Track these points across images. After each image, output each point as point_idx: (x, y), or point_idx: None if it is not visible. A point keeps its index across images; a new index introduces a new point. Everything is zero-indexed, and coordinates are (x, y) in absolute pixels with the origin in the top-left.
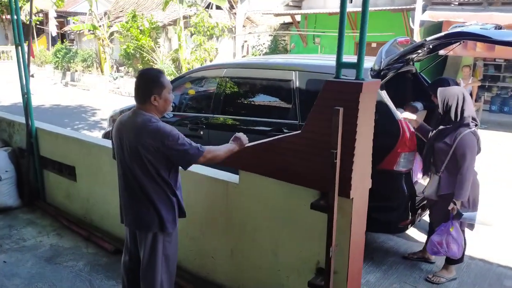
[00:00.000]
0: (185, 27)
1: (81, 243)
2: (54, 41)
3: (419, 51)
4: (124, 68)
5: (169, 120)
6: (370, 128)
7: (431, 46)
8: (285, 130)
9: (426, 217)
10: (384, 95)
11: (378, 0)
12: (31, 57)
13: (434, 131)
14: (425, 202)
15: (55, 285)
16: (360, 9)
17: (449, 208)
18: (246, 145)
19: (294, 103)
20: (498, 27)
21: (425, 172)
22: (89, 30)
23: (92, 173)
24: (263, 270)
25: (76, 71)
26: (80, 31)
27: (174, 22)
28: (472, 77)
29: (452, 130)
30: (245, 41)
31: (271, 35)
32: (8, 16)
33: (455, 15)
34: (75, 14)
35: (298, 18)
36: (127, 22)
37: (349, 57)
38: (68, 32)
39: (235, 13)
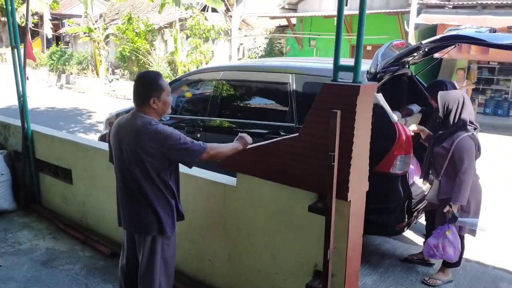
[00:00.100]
0: (181, 30)
1: (77, 247)
2: (49, 43)
3: (415, 54)
4: (120, 70)
5: (165, 123)
6: (367, 130)
7: (426, 49)
8: (282, 133)
9: (422, 219)
10: (380, 97)
11: (373, 3)
12: (31, 60)
13: (434, 136)
14: (421, 204)
15: None
16: (355, 12)
17: (444, 210)
18: (250, 144)
19: (291, 106)
20: (493, 30)
21: (425, 176)
22: (84, 33)
23: (89, 176)
24: (261, 273)
25: (71, 73)
26: (75, 33)
27: (170, 25)
28: (466, 79)
29: (450, 134)
30: (241, 44)
31: (267, 38)
32: (3, 18)
33: (450, 18)
34: (70, 16)
35: (293, 21)
36: (122, 25)
37: (345, 60)
38: (63, 34)
39: (230, 16)
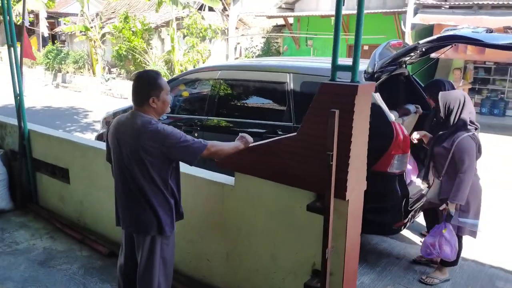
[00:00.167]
0: (178, 29)
1: (75, 246)
2: (44, 42)
3: (412, 54)
4: (116, 69)
5: (163, 122)
6: (365, 130)
7: (423, 49)
8: (279, 132)
9: (419, 219)
10: (378, 97)
11: (370, 3)
12: (31, 59)
13: (435, 136)
14: (418, 204)
15: None
16: (352, 12)
17: (440, 208)
18: (251, 144)
19: (289, 105)
20: (489, 31)
21: (426, 176)
22: (80, 31)
23: (86, 175)
24: (259, 273)
25: (68, 72)
26: (71, 32)
27: (167, 24)
28: (463, 79)
29: (450, 134)
30: (238, 43)
31: (264, 37)
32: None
33: (446, 18)
34: (66, 15)
35: (290, 20)
36: (119, 23)
37: (342, 60)
38: (59, 33)
39: (227, 15)
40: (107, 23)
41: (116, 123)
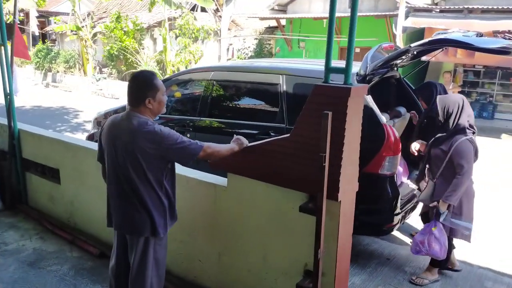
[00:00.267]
0: (170, 29)
1: (65, 247)
2: (35, 41)
3: (404, 57)
4: (107, 69)
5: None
6: (358, 132)
7: (415, 52)
8: (272, 134)
9: (409, 220)
10: (370, 99)
11: (362, 6)
12: (26, 59)
13: (432, 138)
14: (409, 205)
15: None
16: (344, 14)
17: (431, 205)
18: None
19: (281, 107)
20: (480, 35)
21: (421, 177)
22: (72, 31)
23: (77, 175)
24: (251, 273)
25: (58, 72)
26: (62, 31)
27: (159, 24)
28: (453, 82)
29: (448, 137)
30: (230, 44)
31: (256, 39)
32: None
33: (437, 22)
34: (56, 14)
35: (283, 22)
36: (111, 23)
37: (334, 62)
38: (50, 32)
39: (220, 16)
40: (98, 23)
41: (110, 124)
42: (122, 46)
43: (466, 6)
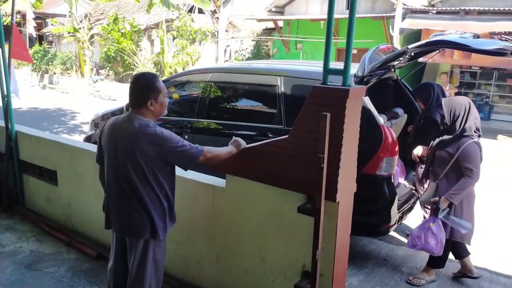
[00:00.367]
0: (168, 31)
1: (62, 249)
2: (31, 42)
3: (401, 58)
4: (105, 71)
5: None
6: (356, 133)
7: (412, 54)
8: (270, 135)
9: (406, 221)
10: (367, 101)
11: (359, 8)
12: (24, 61)
13: (437, 140)
14: (406, 206)
15: None
16: (341, 16)
17: (432, 200)
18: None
19: (279, 108)
20: (476, 36)
21: (423, 178)
22: (69, 33)
23: (75, 177)
24: (249, 274)
25: (55, 73)
26: (59, 33)
27: (156, 26)
28: (449, 83)
29: (455, 140)
30: (228, 46)
31: (253, 40)
32: None
33: (434, 23)
34: (53, 15)
35: (280, 23)
36: (108, 25)
37: (332, 63)
38: (47, 33)
39: (217, 18)
40: (95, 25)
41: (111, 125)
42: (119, 47)
43: (462, 8)
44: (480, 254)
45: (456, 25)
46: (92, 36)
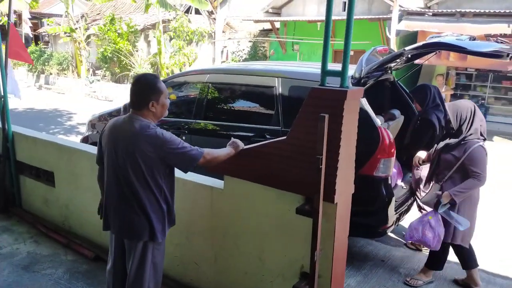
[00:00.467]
0: (164, 31)
1: (59, 250)
2: (27, 43)
3: (398, 60)
4: (101, 71)
5: None
6: (354, 134)
7: (409, 55)
8: (267, 136)
9: (404, 222)
10: (365, 102)
11: (356, 9)
12: (23, 62)
13: (441, 144)
14: (403, 207)
15: None
16: (338, 17)
17: (434, 192)
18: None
19: (277, 109)
20: (472, 38)
21: (429, 180)
22: (65, 33)
23: (73, 179)
24: (247, 275)
25: (51, 74)
26: (55, 33)
27: (153, 26)
28: (445, 85)
29: (461, 143)
30: (225, 47)
31: (250, 41)
32: None
33: (430, 25)
34: (49, 15)
35: (277, 25)
36: (104, 25)
37: (329, 65)
38: (43, 34)
39: (214, 19)
40: (92, 25)
41: (112, 126)
42: (116, 48)
43: (458, 10)
44: (478, 255)
45: (452, 27)
46: (88, 37)
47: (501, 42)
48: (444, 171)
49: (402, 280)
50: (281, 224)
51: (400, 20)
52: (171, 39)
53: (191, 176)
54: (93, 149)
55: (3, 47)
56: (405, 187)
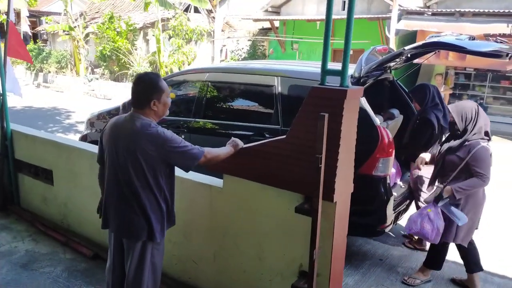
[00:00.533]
0: (163, 30)
1: (58, 249)
2: (26, 41)
3: (397, 59)
4: (100, 70)
5: None
6: (353, 133)
7: (409, 55)
8: (267, 135)
9: (402, 221)
10: (364, 101)
11: (355, 8)
12: (28, 62)
13: (445, 146)
14: (401, 206)
15: None
16: (337, 16)
17: (436, 185)
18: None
19: (276, 108)
20: (472, 38)
21: (433, 182)
22: (64, 31)
23: (71, 177)
24: (246, 274)
25: (50, 72)
26: (54, 31)
27: (152, 25)
28: (444, 85)
29: (465, 144)
30: (224, 46)
31: (249, 40)
32: None
33: (429, 24)
34: (48, 14)
35: (276, 24)
36: (103, 24)
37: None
38: (41, 32)
39: (213, 17)
40: (91, 23)
41: (113, 124)
42: (115, 46)
43: (457, 9)
44: (480, 254)
45: (451, 26)
46: (87, 35)
47: (501, 42)
48: (449, 173)
49: (400, 279)
50: (280, 223)
51: (399, 19)
52: (170, 37)
53: (190, 175)
54: (92, 148)
55: (2, 45)
56: (403, 187)
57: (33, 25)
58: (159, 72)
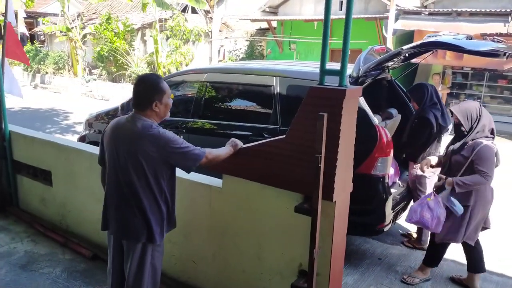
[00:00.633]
0: (161, 31)
1: (57, 249)
2: (23, 42)
3: (395, 59)
4: (97, 71)
5: None
6: (352, 133)
7: (406, 55)
8: (265, 135)
9: (400, 220)
10: (363, 101)
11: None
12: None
13: (451, 147)
14: (400, 205)
15: None
16: (335, 16)
17: (438, 174)
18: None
19: (275, 108)
20: (469, 37)
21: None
22: (61, 32)
23: (70, 178)
24: (246, 274)
25: (47, 73)
26: (51, 32)
27: (150, 25)
28: (442, 84)
29: (469, 141)
30: (222, 46)
31: (247, 41)
32: None
33: (426, 24)
34: (45, 14)
35: (274, 24)
36: (100, 24)
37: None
38: (38, 33)
39: (211, 18)
40: (88, 24)
41: (114, 125)
42: (112, 47)
43: (454, 9)
44: None
45: (448, 26)
46: (84, 36)
47: (498, 41)
48: (455, 173)
49: (399, 278)
50: (279, 222)
51: (396, 19)
52: (167, 38)
53: (189, 175)
54: (91, 148)
55: (0, 46)
56: (402, 186)
57: (30, 26)
58: (157, 72)
